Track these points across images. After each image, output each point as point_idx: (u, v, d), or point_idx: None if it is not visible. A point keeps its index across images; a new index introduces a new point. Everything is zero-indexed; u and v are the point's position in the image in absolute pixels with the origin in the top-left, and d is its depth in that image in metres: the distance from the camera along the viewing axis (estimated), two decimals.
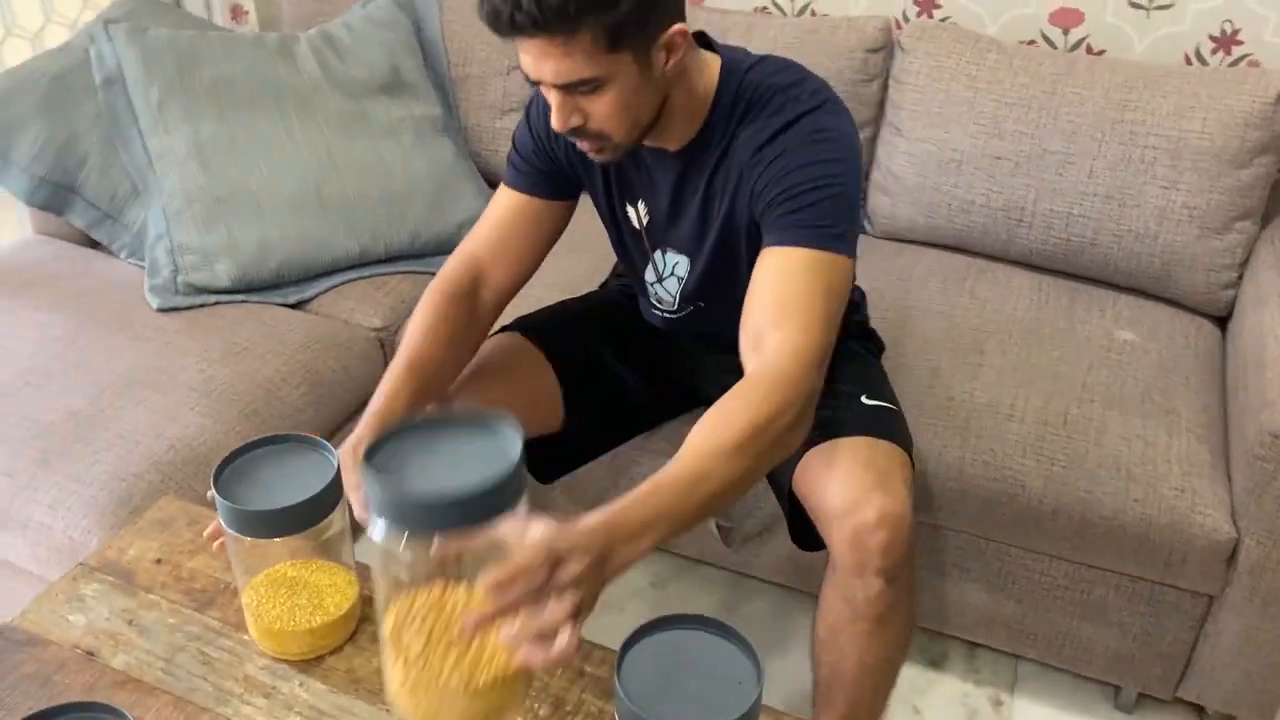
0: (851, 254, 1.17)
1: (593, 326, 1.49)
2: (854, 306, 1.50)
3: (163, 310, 1.77)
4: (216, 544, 1.10)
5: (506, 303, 1.38)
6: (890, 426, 1.30)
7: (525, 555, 0.82)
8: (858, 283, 1.56)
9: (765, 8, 2.15)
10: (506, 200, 1.37)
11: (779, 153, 1.15)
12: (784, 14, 2.14)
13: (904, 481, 1.23)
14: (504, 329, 1.46)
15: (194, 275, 1.80)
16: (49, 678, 1.06)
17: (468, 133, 2.16)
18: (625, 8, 1.05)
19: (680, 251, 1.33)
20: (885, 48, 1.89)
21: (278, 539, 1.01)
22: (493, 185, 2.12)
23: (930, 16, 2.04)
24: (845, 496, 1.20)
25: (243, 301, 1.82)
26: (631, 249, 1.40)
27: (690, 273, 1.34)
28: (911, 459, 1.31)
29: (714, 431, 1.01)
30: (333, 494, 1.02)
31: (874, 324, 1.65)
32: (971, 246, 1.90)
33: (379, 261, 1.94)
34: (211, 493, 1.01)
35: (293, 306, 1.86)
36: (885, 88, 1.91)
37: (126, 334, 1.70)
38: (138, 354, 1.65)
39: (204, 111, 1.86)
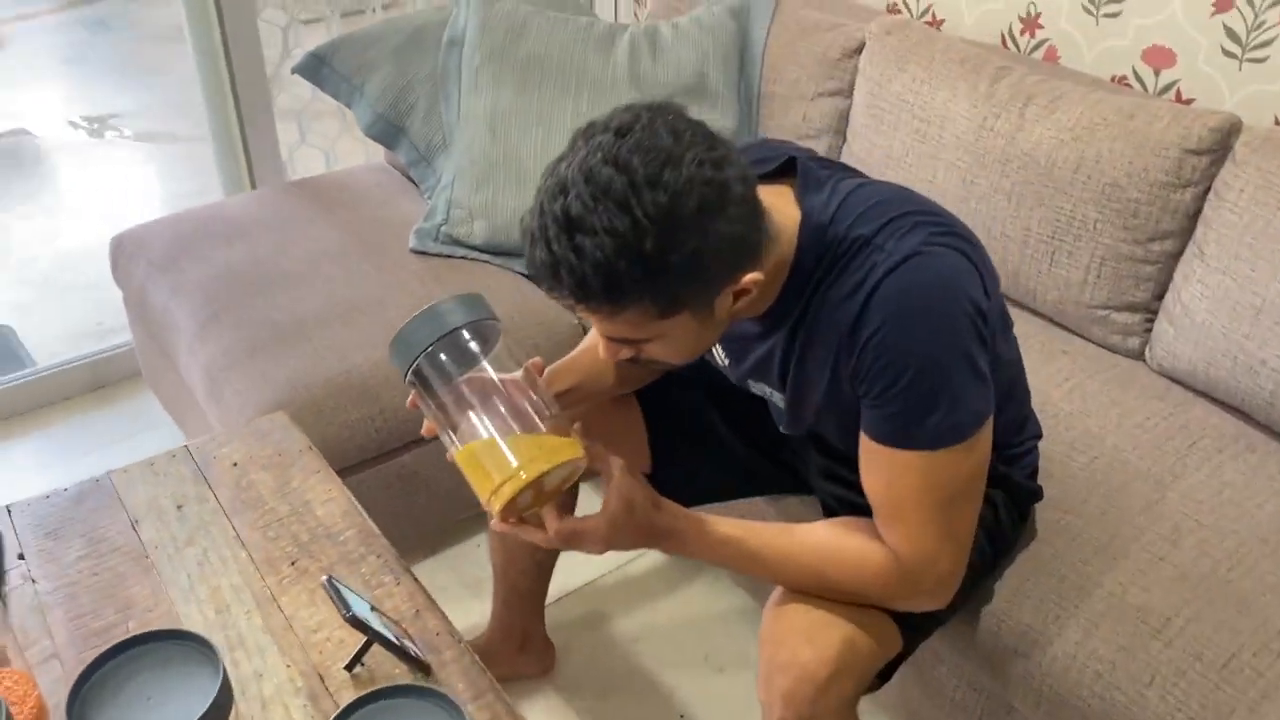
0: (960, 437, 1.02)
1: (706, 386, 1.41)
2: (997, 444, 1.28)
3: (415, 251, 1.96)
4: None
5: None
6: None
7: (586, 529, 1.04)
8: (1048, 414, 1.33)
9: (1124, 77, 1.85)
10: None
11: (864, 341, 1.01)
12: (1146, 90, 1.83)
13: (846, 645, 1.08)
14: None
15: (456, 228, 1.97)
16: (93, 527, 1.26)
17: None
18: (675, 284, 0.92)
19: (771, 386, 1.20)
20: (1214, 152, 1.54)
21: None
22: None
23: None
24: (771, 628, 1.10)
25: (486, 262, 1.97)
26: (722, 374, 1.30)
27: (786, 404, 1.20)
28: (906, 641, 1.15)
29: (820, 549, 1.09)
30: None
31: (1078, 465, 1.41)
32: (1254, 414, 1.52)
33: None
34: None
35: (528, 277, 1.96)
36: (1205, 198, 1.57)
37: (376, 263, 1.92)
38: (373, 283, 1.86)
39: (510, 82, 2.01)
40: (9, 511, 1.28)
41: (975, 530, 1.09)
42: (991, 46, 1.94)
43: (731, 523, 1.10)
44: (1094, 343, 1.71)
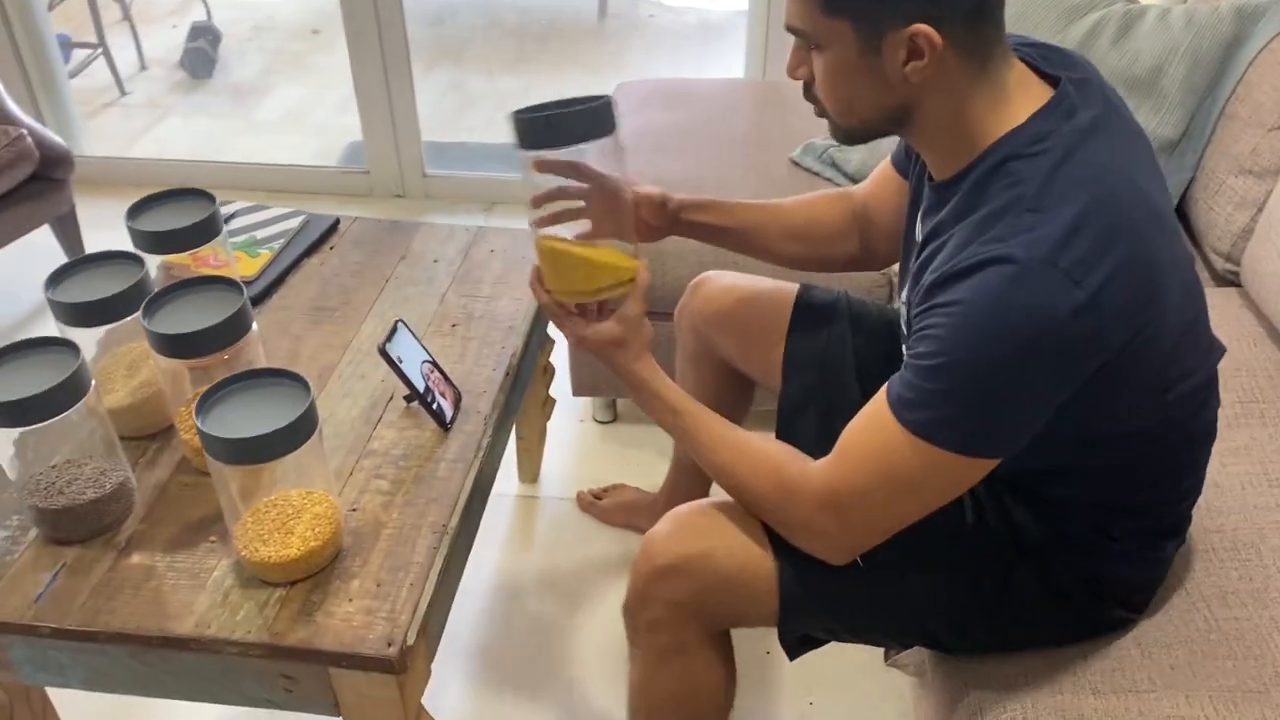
0: (933, 440, 0.96)
1: (867, 335, 1.40)
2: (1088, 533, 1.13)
3: (792, 161, 2.08)
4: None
5: (877, 248, 1.39)
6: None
7: (598, 332, 1.17)
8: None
9: None
10: (884, 166, 1.36)
11: (935, 302, 0.96)
12: None
13: (701, 555, 1.10)
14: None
15: (839, 152, 2.05)
16: (378, 250, 1.69)
17: (1198, 171, 1.82)
18: None
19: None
20: None
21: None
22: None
23: None
24: (665, 516, 1.16)
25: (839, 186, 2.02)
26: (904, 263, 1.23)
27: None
28: (783, 610, 1.11)
29: (744, 457, 1.11)
30: None
31: (1227, 619, 1.19)
32: None
33: None
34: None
35: None
36: None
37: (751, 158, 2.09)
38: (726, 168, 2.05)
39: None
40: (353, 221, 1.77)
41: (889, 531, 1.04)
42: None
43: (688, 399, 1.17)
44: None
